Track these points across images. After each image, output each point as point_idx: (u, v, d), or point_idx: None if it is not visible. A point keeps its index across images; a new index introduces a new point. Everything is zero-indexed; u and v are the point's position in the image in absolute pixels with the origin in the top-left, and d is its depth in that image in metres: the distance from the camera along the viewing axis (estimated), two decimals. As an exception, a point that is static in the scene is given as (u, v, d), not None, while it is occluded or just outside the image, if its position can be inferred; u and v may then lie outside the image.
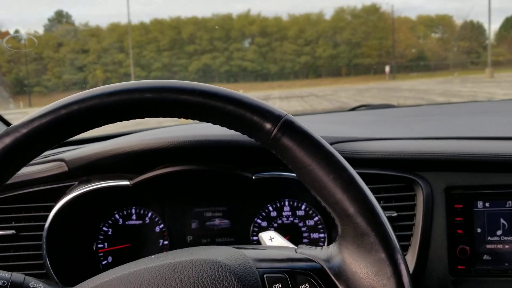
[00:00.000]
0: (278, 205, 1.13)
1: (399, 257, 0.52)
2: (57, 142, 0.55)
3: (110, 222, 1.12)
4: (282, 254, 0.59)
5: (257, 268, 0.54)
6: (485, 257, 0.97)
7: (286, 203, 1.12)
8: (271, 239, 0.76)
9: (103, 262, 1.11)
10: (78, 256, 1.08)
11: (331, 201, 0.54)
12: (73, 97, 0.53)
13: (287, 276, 0.54)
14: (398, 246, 0.52)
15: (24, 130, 0.52)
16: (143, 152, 0.98)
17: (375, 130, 1.25)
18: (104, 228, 1.12)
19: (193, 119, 0.58)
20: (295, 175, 0.98)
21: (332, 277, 0.55)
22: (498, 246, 0.97)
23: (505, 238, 0.96)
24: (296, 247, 0.63)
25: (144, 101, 0.54)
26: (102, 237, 1.11)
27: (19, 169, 0.54)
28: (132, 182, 1.00)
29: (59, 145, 1.39)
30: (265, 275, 0.54)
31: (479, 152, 0.96)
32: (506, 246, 0.96)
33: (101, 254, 1.11)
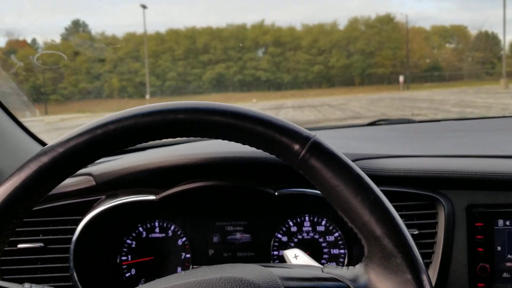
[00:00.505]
0: (298, 220, 1.14)
1: (425, 278, 0.53)
2: (92, 161, 0.57)
3: (133, 235, 1.14)
4: (309, 273, 0.60)
5: (284, 287, 0.56)
6: (505, 275, 0.97)
7: (307, 218, 1.14)
8: (296, 257, 0.78)
9: (127, 274, 1.13)
10: (103, 268, 1.10)
11: (358, 222, 0.55)
12: (109, 117, 0.56)
13: None
14: (424, 267, 0.53)
15: (61, 149, 0.54)
16: (170, 168, 1.01)
17: (395, 146, 1.26)
18: (128, 241, 1.14)
19: (224, 139, 0.60)
20: (316, 191, 1.01)
21: None
22: (519, 264, 0.97)
23: (526, 257, 0.97)
24: (321, 266, 0.64)
25: (178, 122, 0.56)
26: (125, 249, 1.14)
27: (55, 186, 0.57)
28: (158, 197, 1.03)
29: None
30: None
31: (501, 170, 0.97)
32: (528, 265, 0.96)
33: (125, 266, 1.13)
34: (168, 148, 1.22)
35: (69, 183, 1.06)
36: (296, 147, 0.56)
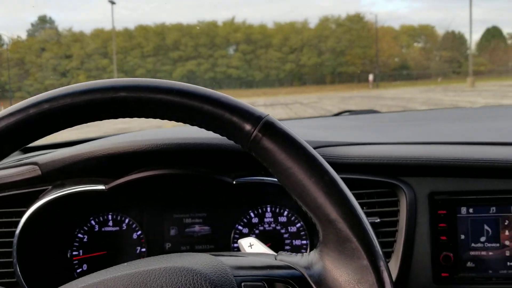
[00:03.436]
0: (260, 211, 1.10)
1: (382, 264, 0.50)
2: (26, 143, 0.52)
3: (85, 228, 1.08)
4: (261, 261, 0.57)
5: (234, 276, 0.52)
6: (469, 264, 0.95)
7: (268, 209, 1.10)
8: (251, 245, 0.74)
9: (78, 270, 1.07)
10: (51, 263, 1.04)
11: (312, 205, 0.52)
12: (44, 96, 0.51)
13: (265, 284, 0.52)
14: (381, 252, 0.50)
15: None
16: (119, 155, 0.95)
17: (358, 135, 1.23)
18: (79, 235, 1.08)
19: (170, 120, 0.55)
20: (276, 180, 0.97)
21: (313, 285, 0.53)
22: (482, 253, 0.95)
23: (489, 244, 0.95)
24: (276, 254, 0.60)
25: (119, 101, 0.52)
26: (77, 244, 1.07)
27: None
28: (107, 186, 0.97)
29: (33, 149, 1.35)
30: (242, 283, 0.52)
31: (463, 157, 0.95)
32: (490, 253, 0.95)
33: (76, 261, 1.07)
34: (119, 136, 1.15)
35: (13, 173, 0.99)
36: (248, 127, 0.52)
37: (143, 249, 1.09)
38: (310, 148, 0.53)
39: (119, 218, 1.09)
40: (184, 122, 0.55)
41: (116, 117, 0.55)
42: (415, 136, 1.20)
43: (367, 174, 0.97)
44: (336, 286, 0.51)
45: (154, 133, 1.09)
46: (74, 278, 1.05)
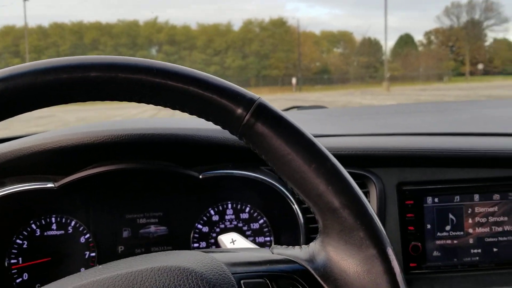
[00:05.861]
0: (220, 208, 1.04)
1: (390, 252, 0.47)
2: None
3: (25, 233, 0.96)
4: (258, 256, 0.52)
5: (232, 274, 0.46)
6: (435, 253, 0.96)
7: (229, 205, 1.04)
8: (233, 241, 0.68)
9: (18, 280, 0.94)
10: (-15, 274, 0.91)
11: (312, 194, 0.47)
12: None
13: (267, 281, 0.47)
14: (388, 240, 0.47)
15: None
16: (70, 148, 0.84)
17: (316, 127, 1.21)
18: (18, 241, 0.95)
19: (149, 103, 0.48)
20: (245, 173, 0.92)
21: (318, 278, 0.48)
22: (447, 241, 0.96)
23: (454, 233, 0.96)
24: (268, 247, 0.55)
25: (89, 81, 0.44)
26: (15, 251, 0.95)
27: None
28: (57, 184, 0.86)
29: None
30: (242, 281, 0.46)
31: (428, 147, 0.96)
32: (455, 241, 0.96)
33: (15, 270, 0.94)
34: (70, 127, 1.03)
35: None
36: (239, 111, 0.47)
37: (92, 254, 0.98)
38: (308, 133, 0.49)
39: (64, 220, 0.97)
40: (165, 106, 0.49)
41: (84, 100, 0.47)
42: (373, 128, 1.20)
43: None
44: (344, 278, 0.47)
45: (111, 123, 0.98)
46: (13, 290, 0.93)
